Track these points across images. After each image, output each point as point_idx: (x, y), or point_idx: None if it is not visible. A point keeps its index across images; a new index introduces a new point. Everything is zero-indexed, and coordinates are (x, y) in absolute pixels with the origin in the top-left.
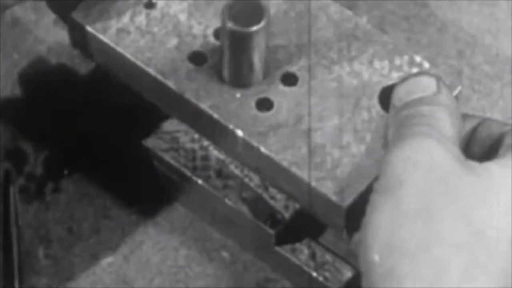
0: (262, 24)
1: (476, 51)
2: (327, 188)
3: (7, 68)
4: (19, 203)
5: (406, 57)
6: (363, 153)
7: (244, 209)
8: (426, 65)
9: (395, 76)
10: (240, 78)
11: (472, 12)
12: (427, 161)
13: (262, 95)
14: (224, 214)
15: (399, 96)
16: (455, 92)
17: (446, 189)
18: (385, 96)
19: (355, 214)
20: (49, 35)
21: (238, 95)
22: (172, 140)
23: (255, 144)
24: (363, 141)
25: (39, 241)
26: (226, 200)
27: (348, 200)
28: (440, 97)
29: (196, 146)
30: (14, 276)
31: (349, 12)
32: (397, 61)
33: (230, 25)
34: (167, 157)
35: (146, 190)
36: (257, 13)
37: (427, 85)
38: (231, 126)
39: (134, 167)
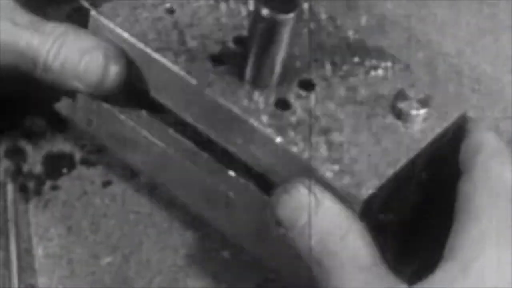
0: (294, 12)
1: (476, 51)
2: (345, 181)
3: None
4: (18, 202)
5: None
6: (378, 153)
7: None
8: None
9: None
10: (260, 78)
11: (472, 12)
12: None
13: (280, 96)
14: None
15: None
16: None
17: None
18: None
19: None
20: None
21: (257, 93)
22: None
23: (274, 137)
24: (379, 143)
25: (38, 240)
26: (229, 172)
27: (366, 192)
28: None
29: None
30: (13, 275)
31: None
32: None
33: (264, 11)
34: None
35: (145, 190)
36: (288, 4)
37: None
38: (250, 120)
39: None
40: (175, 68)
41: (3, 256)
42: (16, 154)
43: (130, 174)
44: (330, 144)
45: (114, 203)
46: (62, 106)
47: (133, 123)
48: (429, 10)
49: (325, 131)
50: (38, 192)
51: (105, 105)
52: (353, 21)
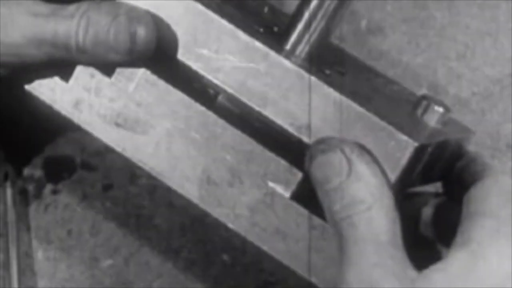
0: None
1: (476, 54)
2: (398, 129)
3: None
4: (19, 205)
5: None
6: (415, 126)
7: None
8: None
9: None
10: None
11: (472, 15)
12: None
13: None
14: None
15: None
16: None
17: None
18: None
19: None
20: None
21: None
22: None
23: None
24: (412, 121)
25: (38, 243)
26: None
27: (420, 139)
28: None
29: None
30: (12, 277)
31: None
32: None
33: None
34: None
35: (146, 193)
36: None
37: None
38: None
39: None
40: None
41: (3, 259)
42: (16, 157)
43: (130, 177)
44: (375, 108)
45: (114, 206)
46: None
47: None
48: (428, 13)
49: (367, 100)
50: (38, 195)
51: None
52: (352, 24)
